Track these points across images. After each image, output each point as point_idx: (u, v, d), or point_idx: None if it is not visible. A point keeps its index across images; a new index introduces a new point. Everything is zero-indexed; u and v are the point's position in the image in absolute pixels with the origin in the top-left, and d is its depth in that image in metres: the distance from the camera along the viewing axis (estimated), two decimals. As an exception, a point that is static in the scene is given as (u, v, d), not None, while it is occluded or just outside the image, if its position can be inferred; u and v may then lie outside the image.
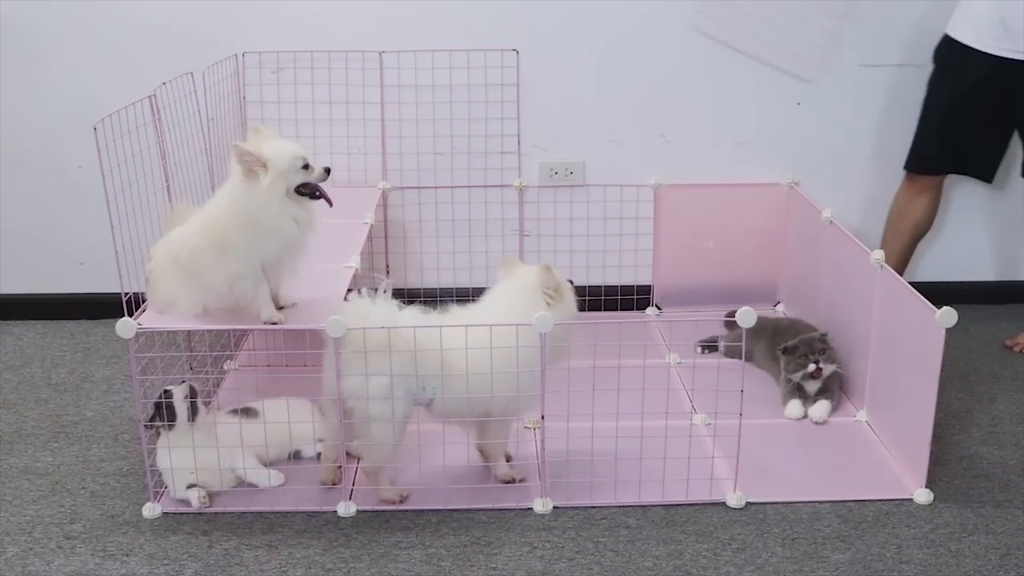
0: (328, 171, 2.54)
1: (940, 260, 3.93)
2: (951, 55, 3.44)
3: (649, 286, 3.92)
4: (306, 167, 2.50)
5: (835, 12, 3.65)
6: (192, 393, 2.63)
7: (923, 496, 2.67)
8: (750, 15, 3.66)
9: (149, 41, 3.64)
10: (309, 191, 2.51)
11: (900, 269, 3.49)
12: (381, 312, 2.50)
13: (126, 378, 3.32)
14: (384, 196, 3.77)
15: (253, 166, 2.43)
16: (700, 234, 3.85)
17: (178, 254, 2.53)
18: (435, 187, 3.81)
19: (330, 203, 2.54)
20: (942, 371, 2.56)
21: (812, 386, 3.11)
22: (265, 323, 2.55)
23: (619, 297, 3.89)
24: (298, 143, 2.55)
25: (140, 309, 2.62)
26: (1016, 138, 3.50)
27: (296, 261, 2.58)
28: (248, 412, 2.76)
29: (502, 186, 3.82)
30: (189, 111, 3.06)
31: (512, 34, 3.67)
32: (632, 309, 3.90)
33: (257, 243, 2.48)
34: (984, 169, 3.57)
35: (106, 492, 2.74)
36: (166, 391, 2.62)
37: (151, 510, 2.62)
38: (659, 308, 3.91)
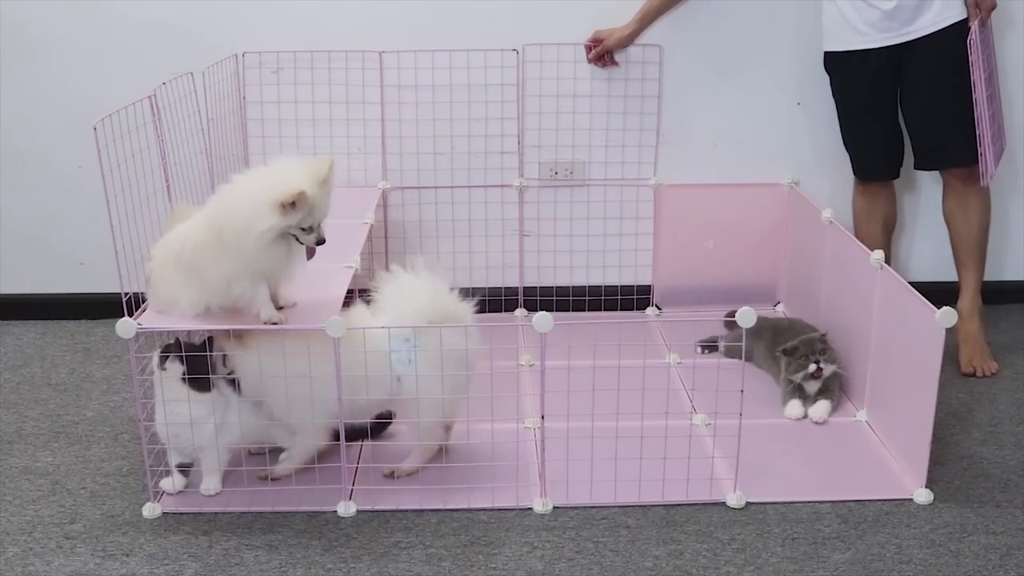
0: (321, 242, 2.49)
1: (940, 260, 3.92)
2: (841, 66, 3.50)
3: (649, 286, 3.92)
4: (308, 229, 2.46)
5: None
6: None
7: (923, 496, 2.67)
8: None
9: (149, 41, 3.64)
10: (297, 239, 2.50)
11: None
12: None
13: (126, 378, 3.32)
14: (384, 196, 3.77)
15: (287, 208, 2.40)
16: (700, 234, 3.85)
17: (180, 251, 2.53)
18: (435, 187, 3.81)
19: (308, 256, 2.54)
20: (942, 371, 2.55)
21: (812, 386, 3.11)
22: (265, 323, 2.55)
23: (619, 297, 3.90)
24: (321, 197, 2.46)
25: (140, 309, 2.62)
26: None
27: (292, 268, 2.57)
28: None
29: (502, 186, 3.82)
30: (189, 111, 3.06)
31: (512, 34, 3.67)
32: (632, 309, 3.90)
33: (239, 254, 2.47)
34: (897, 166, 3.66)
35: (106, 492, 2.74)
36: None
37: (151, 510, 2.62)
38: (659, 308, 3.91)
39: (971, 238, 3.54)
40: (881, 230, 3.65)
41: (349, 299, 2.77)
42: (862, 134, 3.59)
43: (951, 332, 3.54)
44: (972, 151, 3.33)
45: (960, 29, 3.28)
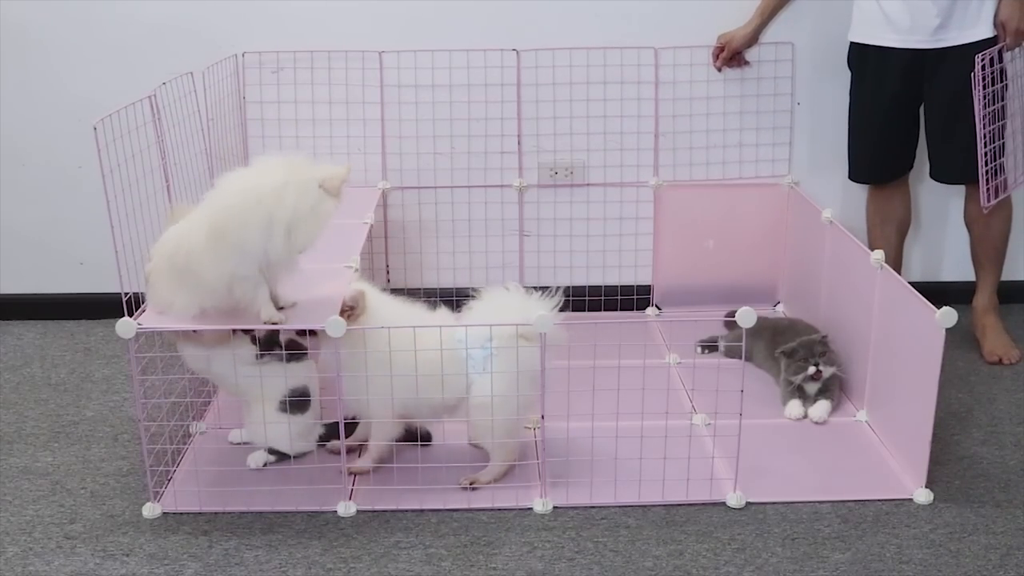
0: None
1: (940, 260, 3.93)
2: (866, 60, 3.45)
3: (649, 286, 3.92)
4: None
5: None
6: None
7: (923, 496, 2.67)
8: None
9: (149, 41, 3.64)
10: None
11: (897, 271, 3.49)
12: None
13: (126, 378, 3.32)
14: (384, 196, 3.77)
15: None
16: (700, 234, 3.85)
17: (173, 255, 2.52)
18: (435, 187, 3.81)
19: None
20: (942, 371, 2.55)
21: (812, 387, 3.11)
22: (266, 323, 2.55)
23: (619, 297, 3.90)
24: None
25: (140, 309, 2.62)
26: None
27: (294, 264, 2.57)
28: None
29: (502, 186, 3.82)
30: (189, 111, 3.06)
31: (512, 34, 3.67)
32: (632, 309, 3.90)
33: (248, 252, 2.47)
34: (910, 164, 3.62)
35: (106, 492, 2.74)
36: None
37: (151, 510, 2.62)
38: (659, 308, 3.91)
39: (991, 244, 3.54)
40: (894, 232, 3.62)
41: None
42: (881, 136, 3.52)
43: (967, 328, 3.56)
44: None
45: (986, 47, 3.24)
